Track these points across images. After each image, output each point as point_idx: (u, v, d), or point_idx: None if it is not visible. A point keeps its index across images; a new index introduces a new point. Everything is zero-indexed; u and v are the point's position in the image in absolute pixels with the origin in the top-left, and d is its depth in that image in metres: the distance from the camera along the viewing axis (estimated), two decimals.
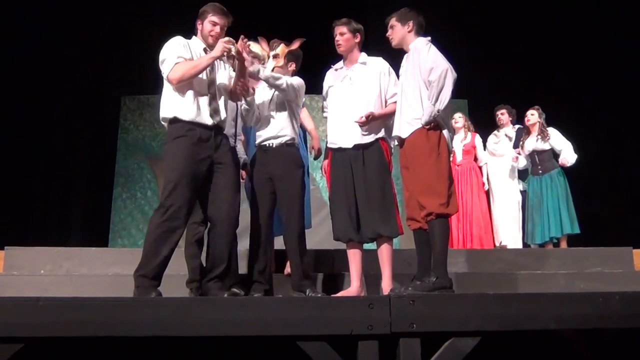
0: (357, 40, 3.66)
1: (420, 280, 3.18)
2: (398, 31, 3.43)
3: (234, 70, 3.48)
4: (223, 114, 3.39)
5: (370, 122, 3.48)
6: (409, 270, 3.67)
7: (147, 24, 7.45)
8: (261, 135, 3.70)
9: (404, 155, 3.36)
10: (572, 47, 7.64)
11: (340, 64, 3.75)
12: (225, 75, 3.50)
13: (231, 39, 3.31)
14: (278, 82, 3.55)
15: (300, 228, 3.62)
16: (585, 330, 2.61)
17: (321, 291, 3.72)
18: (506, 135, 6.02)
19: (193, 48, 3.40)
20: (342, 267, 3.88)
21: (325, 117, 3.79)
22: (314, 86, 4.13)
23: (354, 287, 3.53)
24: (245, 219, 3.65)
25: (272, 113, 3.70)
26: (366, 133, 3.52)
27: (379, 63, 3.65)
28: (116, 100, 8.34)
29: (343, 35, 3.62)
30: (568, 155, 5.45)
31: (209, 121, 3.31)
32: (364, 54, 3.70)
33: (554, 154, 5.58)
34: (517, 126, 5.98)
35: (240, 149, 3.94)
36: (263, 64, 3.71)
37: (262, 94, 3.77)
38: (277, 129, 3.66)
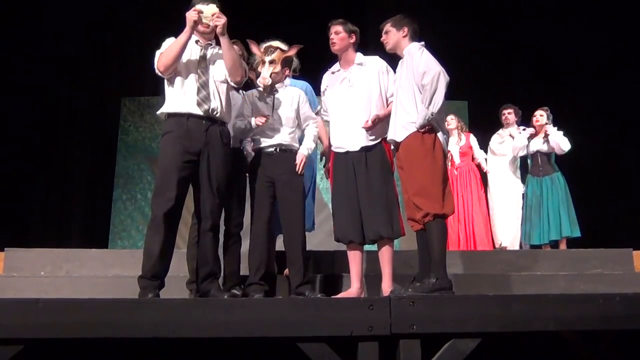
0: (352, 41, 3.63)
1: (420, 282, 3.18)
2: (392, 36, 3.44)
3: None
4: (214, 102, 3.30)
5: (376, 125, 3.48)
6: (409, 272, 3.67)
7: (147, 25, 7.45)
8: (266, 141, 3.67)
9: (400, 159, 3.38)
10: (572, 48, 7.65)
11: (336, 66, 3.71)
12: (220, 66, 3.40)
13: (197, 8, 3.26)
14: (313, 145, 3.76)
15: (301, 232, 3.62)
16: (585, 331, 2.61)
17: (321, 292, 3.72)
18: (510, 135, 5.96)
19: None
20: (342, 268, 3.87)
21: (325, 121, 3.78)
22: (313, 89, 4.17)
23: (354, 288, 3.53)
24: (248, 221, 3.66)
25: (277, 119, 3.68)
26: (372, 136, 3.51)
27: (376, 62, 3.63)
28: (116, 101, 8.35)
29: (338, 34, 3.60)
30: (561, 142, 5.39)
31: (196, 110, 3.25)
32: (359, 55, 3.66)
33: (556, 157, 5.57)
34: (521, 127, 5.95)
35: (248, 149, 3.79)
36: (255, 67, 3.70)
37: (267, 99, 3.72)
38: (283, 136, 3.66)
